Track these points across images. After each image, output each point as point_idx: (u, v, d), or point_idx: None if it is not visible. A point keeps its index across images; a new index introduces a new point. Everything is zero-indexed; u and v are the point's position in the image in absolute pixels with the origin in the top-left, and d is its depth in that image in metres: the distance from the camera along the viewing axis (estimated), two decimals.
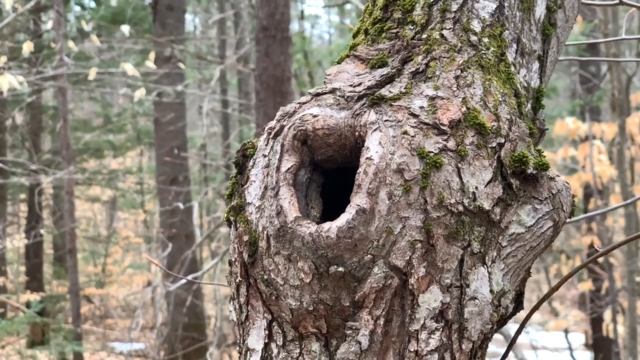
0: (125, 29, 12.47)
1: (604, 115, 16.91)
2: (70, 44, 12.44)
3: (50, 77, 13.99)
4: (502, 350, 1.97)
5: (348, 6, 21.18)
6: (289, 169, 1.62)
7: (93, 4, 19.80)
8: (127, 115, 20.00)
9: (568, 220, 1.74)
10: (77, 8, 20.12)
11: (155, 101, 15.68)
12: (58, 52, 12.61)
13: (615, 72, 9.20)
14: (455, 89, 1.63)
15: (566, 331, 13.65)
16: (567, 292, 22.79)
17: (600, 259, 11.77)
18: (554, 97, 18.61)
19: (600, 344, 14.20)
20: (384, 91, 1.64)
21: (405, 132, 1.56)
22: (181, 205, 12.72)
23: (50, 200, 20.64)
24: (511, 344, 1.90)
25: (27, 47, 11.24)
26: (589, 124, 10.21)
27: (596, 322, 14.11)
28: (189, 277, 2.85)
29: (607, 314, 10.79)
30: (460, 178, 1.55)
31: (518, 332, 1.87)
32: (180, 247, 13.98)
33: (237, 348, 1.73)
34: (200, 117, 17.04)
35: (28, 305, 15.46)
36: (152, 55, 13.08)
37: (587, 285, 12.83)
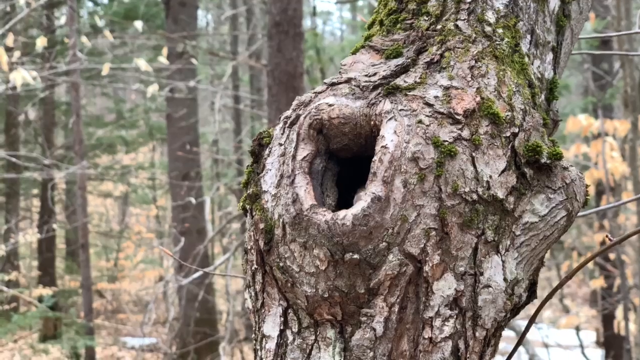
0: (138, 24, 12.51)
1: (616, 113, 16.84)
2: (84, 39, 12.49)
3: (63, 73, 14.04)
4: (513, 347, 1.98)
5: (360, 2, 21.19)
6: (304, 157, 1.64)
7: (106, 0, 19.86)
8: (140, 110, 20.08)
9: (580, 214, 1.75)
10: (90, 4, 20.20)
11: (167, 97, 15.72)
12: (71, 48, 12.66)
13: (628, 68, 9.18)
14: (469, 79, 1.65)
15: (577, 329, 13.63)
16: (579, 290, 22.76)
17: (612, 256, 11.75)
18: (567, 94, 18.58)
19: (611, 342, 14.18)
20: (399, 81, 1.65)
21: (420, 121, 1.58)
22: (193, 201, 12.75)
23: (62, 195, 20.73)
24: (522, 337, 1.91)
25: (41, 43, 11.28)
26: (601, 120, 10.18)
27: (607, 320, 14.08)
28: (203, 270, 2.86)
29: (619, 312, 10.76)
30: (475, 167, 1.57)
31: (529, 324, 1.88)
32: (192, 242, 14.02)
33: (253, 335, 1.75)
34: (212, 113, 17.08)
35: (40, 299, 15.54)
36: (164, 51, 13.11)
37: (598, 283, 12.79)
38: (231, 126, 21.04)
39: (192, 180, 15.19)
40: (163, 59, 12.76)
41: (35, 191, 20.13)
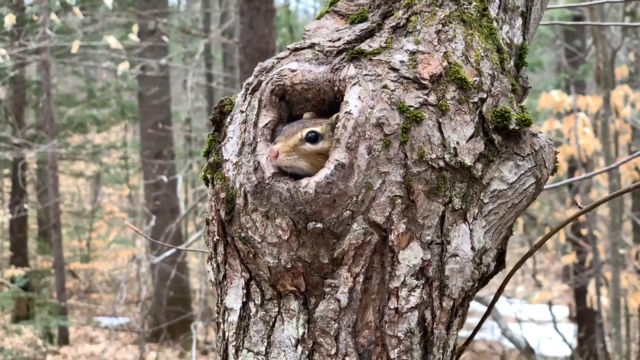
0: (109, 2, 12.33)
1: (589, 90, 16.90)
2: (53, 17, 12.32)
3: (33, 51, 13.87)
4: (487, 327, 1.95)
5: None
6: (266, 124, 1.59)
7: None
8: (111, 89, 19.88)
9: (551, 185, 1.71)
10: None
11: (139, 75, 15.59)
12: (41, 25, 12.49)
13: (601, 44, 9.18)
14: (436, 43, 1.60)
15: (550, 304, 13.70)
16: (551, 266, 22.90)
17: (584, 232, 11.80)
18: (540, 71, 18.61)
19: (584, 316, 14.28)
20: (364, 45, 1.60)
21: (385, 86, 1.53)
22: (165, 179, 12.66)
23: (34, 175, 20.54)
24: (491, 305, 1.88)
25: (10, 20, 11.12)
26: (574, 96, 10.20)
27: (580, 295, 14.17)
28: (175, 247, 2.82)
29: (591, 286, 10.82)
30: (442, 133, 1.52)
31: (499, 291, 1.85)
32: (164, 221, 13.95)
33: (215, 308, 1.71)
34: (185, 91, 16.94)
35: (12, 280, 15.41)
36: (135, 28, 12.97)
37: (570, 258, 12.87)
38: (204, 104, 20.90)
39: (164, 158, 15.10)
40: (134, 37, 12.62)
41: (6, 171, 19.92)
